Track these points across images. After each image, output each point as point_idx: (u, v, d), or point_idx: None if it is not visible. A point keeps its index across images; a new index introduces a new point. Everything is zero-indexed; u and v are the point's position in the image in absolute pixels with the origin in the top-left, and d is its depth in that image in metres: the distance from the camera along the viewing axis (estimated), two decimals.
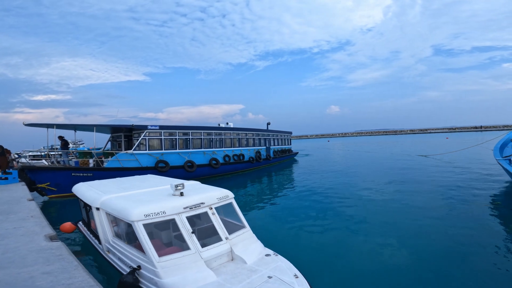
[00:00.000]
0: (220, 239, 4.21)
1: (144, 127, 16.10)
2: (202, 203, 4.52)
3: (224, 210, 4.97)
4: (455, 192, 10.77)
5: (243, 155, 21.57)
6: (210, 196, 4.71)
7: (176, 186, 4.61)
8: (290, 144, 33.36)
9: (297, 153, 34.14)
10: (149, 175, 8.04)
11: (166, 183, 6.04)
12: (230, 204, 5.01)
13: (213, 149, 19.66)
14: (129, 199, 4.62)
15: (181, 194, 4.62)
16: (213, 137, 19.91)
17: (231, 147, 21.21)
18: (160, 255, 3.69)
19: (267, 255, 4.20)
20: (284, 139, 31.30)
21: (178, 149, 17.59)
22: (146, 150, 15.93)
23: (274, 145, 27.91)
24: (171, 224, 4.76)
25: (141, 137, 15.88)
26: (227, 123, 23.44)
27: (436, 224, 7.37)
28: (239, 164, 21.18)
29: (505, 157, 11.19)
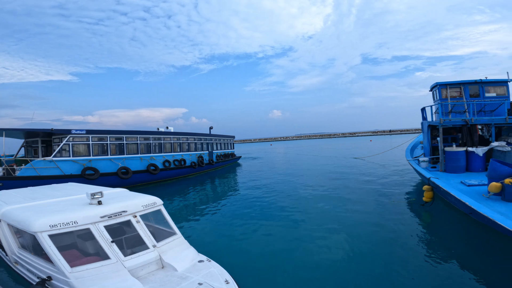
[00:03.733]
0: (147, 247, 4.07)
1: (67, 132, 14.39)
2: (124, 211, 4.34)
3: (155, 218, 4.83)
4: (381, 190, 11.96)
5: (184, 160, 20.88)
6: (133, 204, 4.53)
7: (93, 194, 4.33)
8: (233, 148, 33.54)
9: (240, 157, 34.49)
10: (69, 184, 7.25)
11: (86, 191, 5.56)
12: (159, 211, 4.87)
13: (152, 154, 18.60)
14: (33, 210, 4.25)
15: (99, 202, 4.36)
16: (151, 142, 18.84)
17: (171, 152, 20.34)
18: (75, 265, 3.48)
19: (200, 261, 4.15)
20: (227, 143, 31.32)
21: (110, 155, 16.17)
22: (69, 156, 14.23)
23: (217, 149, 27.69)
24: (91, 234, 4.38)
25: (63, 142, 14.14)
26: (167, 127, 22.47)
27: (368, 222, 7.92)
28: (180, 170, 20.45)
29: (414, 157, 12.95)
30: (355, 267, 5.27)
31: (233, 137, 33.61)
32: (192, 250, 4.42)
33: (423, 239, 6.57)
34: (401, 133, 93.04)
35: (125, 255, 3.77)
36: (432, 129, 11.44)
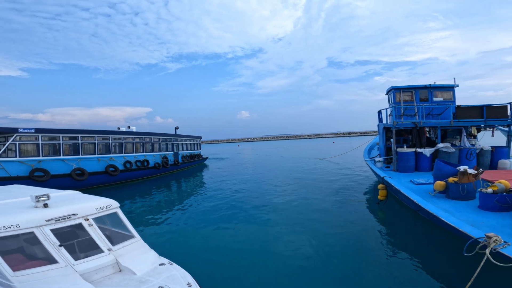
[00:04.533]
0: (101, 251, 3.92)
1: (13, 130, 13.11)
2: (74, 214, 4.14)
3: (111, 221, 4.65)
4: (342, 189, 12.49)
5: (147, 161, 20.07)
6: (85, 207, 4.32)
7: (38, 197, 4.06)
8: (200, 149, 32.98)
9: (207, 157, 34.01)
10: (14, 186, 6.65)
11: (31, 194, 5.22)
12: (115, 214, 4.68)
13: (111, 155, 17.62)
14: None
15: (45, 205, 4.09)
16: (110, 142, 17.85)
17: (133, 153, 19.45)
18: (19, 269, 3.33)
19: (161, 264, 4.06)
20: (194, 144, 30.72)
21: (63, 155, 15.02)
22: (16, 157, 12.96)
23: (183, 150, 27.02)
24: (37, 238, 4.17)
25: (9, 142, 12.84)
26: (129, 127, 21.45)
27: (330, 221, 8.18)
28: (143, 171, 19.63)
29: (371, 158, 13.78)
30: (320, 266, 5.43)
31: (200, 137, 33.04)
32: (152, 253, 4.32)
33: (378, 237, 6.93)
34: (361, 135, 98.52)
35: (76, 259, 3.63)
36: (386, 131, 12.22)
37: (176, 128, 27.41)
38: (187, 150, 28.28)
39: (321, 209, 9.38)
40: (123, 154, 18.55)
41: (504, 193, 5.61)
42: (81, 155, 15.84)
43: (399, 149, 10.69)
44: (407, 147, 11.21)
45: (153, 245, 4.58)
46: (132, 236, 4.50)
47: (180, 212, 10.27)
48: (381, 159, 12.04)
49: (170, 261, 4.19)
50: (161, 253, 4.47)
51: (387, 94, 13.44)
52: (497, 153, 10.02)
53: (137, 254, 4.15)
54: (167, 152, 23.43)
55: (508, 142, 10.47)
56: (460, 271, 4.75)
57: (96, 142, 16.80)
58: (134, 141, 19.74)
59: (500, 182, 5.81)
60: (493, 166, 9.90)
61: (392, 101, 12.38)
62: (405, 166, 10.40)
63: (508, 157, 9.93)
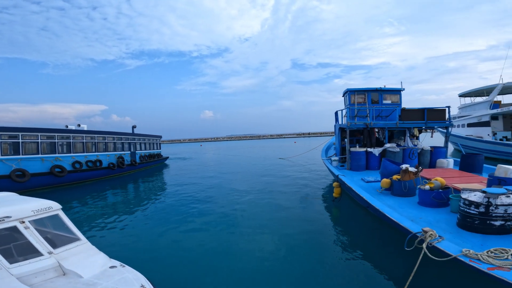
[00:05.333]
0: (40, 254, 3.76)
1: None
2: (8, 216, 3.86)
3: (53, 223, 4.42)
4: (301, 188, 12.76)
5: (100, 161, 18.78)
6: (20, 209, 4.06)
7: None
8: (160, 149, 31.72)
9: (168, 157, 32.85)
10: None
11: None
12: (56, 216, 4.43)
13: (57, 155, 16.20)
14: None
15: None
16: (57, 141, 16.38)
17: (83, 152, 18.07)
18: None
19: (112, 267, 3.91)
20: (153, 143, 29.45)
21: (1, 155, 13.56)
22: None
23: (140, 149, 25.75)
24: None
25: None
26: (79, 125, 19.90)
27: (290, 220, 8.28)
28: (95, 171, 18.34)
29: (328, 157, 14.41)
30: (280, 265, 5.48)
31: (160, 136, 31.79)
32: (101, 256, 4.14)
33: (332, 234, 7.14)
34: (320, 136, 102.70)
35: (12, 263, 3.48)
36: (342, 131, 12.84)
37: (134, 127, 26.07)
38: (145, 149, 27.02)
39: (282, 208, 9.54)
40: (72, 154, 17.15)
41: (440, 190, 6.19)
42: (22, 154, 14.35)
43: (352, 149, 11.30)
44: (359, 147, 11.90)
45: (106, 248, 4.35)
46: (77, 239, 4.32)
47: (137, 214, 9.76)
48: (336, 158, 12.64)
49: (123, 264, 4.04)
50: (115, 257, 4.27)
51: (343, 96, 14.10)
52: (435, 153, 11.07)
53: (83, 257, 3.99)
54: (123, 152, 22.15)
55: (446, 142, 11.63)
56: (405, 265, 4.98)
57: (39, 141, 15.31)
58: (84, 140, 18.34)
59: (436, 180, 6.39)
60: (432, 165, 10.91)
61: (348, 103, 13.00)
62: (357, 165, 11.04)
63: (445, 157, 11.03)
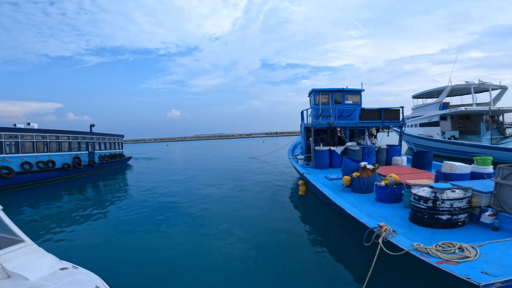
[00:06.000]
0: None
1: None
2: None
3: None
4: (269, 187, 12.80)
5: (53, 162, 17.37)
6: None
7: None
8: (122, 148, 30.13)
9: (131, 157, 31.32)
10: None
11: None
12: None
13: (4, 155, 14.76)
14: None
15: None
16: (3, 140, 14.92)
17: (34, 153, 16.56)
18: None
19: (62, 268, 3.70)
20: (114, 143, 27.88)
21: None
22: None
23: (100, 149, 24.23)
24: None
25: None
26: (28, 124, 18.20)
27: (259, 219, 8.27)
28: (48, 173, 16.96)
29: (294, 156, 14.69)
30: (250, 265, 5.42)
31: (122, 136, 30.19)
32: (50, 258, 3.91)
33: (299, 232, 7.17)
34: (288, 135, 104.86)
35: None
36: (307, 130, 13.14)
37: (92, 125, 24.44)
38: (105, 149, 25.48)
39: (251, 207, 9.51)
40: (20, 154, 15.66)
41: (394, 186, 6.55)
42: None
43: (316, 148, 11.62)
44: (323, 145, 12.27)
45: (60, 253, 4.00)
46: (20, 240, 4.03)
47: (97, 216, 9.16)
48: (302, 156, 12.92)
49: (75, 265, 3.82)
50: (70, 260, 3.96)
51: (309, 96, 14.42)
52: (391, 151, 11.78)
53: (29, 258, 3.75)
54: (79, 152, 20.68)
55: (400, 141, 12.43)
56: (367, 259, 5.09)
57: None
58: (35, 140, 16.81)
59: (390, 176, 6.77)
60: (388, 162, 11.60)
61: (313, 103, 13.32)
62: (321, 163, 11.37)
63: (399, 155, 11.78)
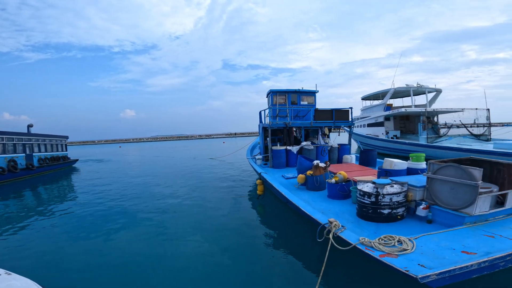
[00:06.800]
0: None
1: None
2: None
3: None
4: (229, 187, 12.66)
5: None
6: None
7: None
8: (66, 150, 27.58)
9: (77, 160, 28.81)
10: None
11: None
12: None
13: None
14: None
15: None
16: None
17: None
18: None
19: None
20: (57, 144, 25.39)
21: None
22: None
23: (40, 151, 21.88)
24: None
25: None
26: None
27: (218, 220, 8.14)
28: None
29: (253, 156, 14.82)
30: (213, 267, 5.32)
31: (66, 137, 27.63)
32: None
33: (258, 231, 7.21)
34: (248, 135, 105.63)
35: None
36: (265, 131, 13.35)
37: (30, 126, 21.98)
38: (46, 151, 23.08)
39: (212, 208, 9.35)
40: None
41: (343, 183, 6.96)
42: None
43: (273, 147, 11.87)
44: (280, 145, 12.58)
45: None
46: None
47: (39, 223, 8.31)
48: (260, 156, 13.09)
49: (8, 271, 3.57)
50: (8, 269, 3.65)
51: (267, 96, 14.65)
52: (342, 149, 12.52)
53: None
54: (15, 155, 18.45)
55: (349, 140, 13.27)
56: (321, 255, 5.15)
57: None
58: None
59: (340, 173, 7.19)
60: (340, 160, 12.31)
61: (271, 103, 13.56)
62: (278, 163, 11.65)
63: (349, 153, 12.58)
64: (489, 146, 15.65)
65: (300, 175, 8.22)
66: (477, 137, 19.12)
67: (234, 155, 28.06)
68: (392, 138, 21.57)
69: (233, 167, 19.87)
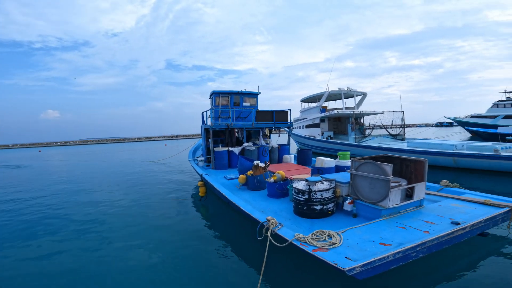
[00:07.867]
0: None
1: None
2: None
3: None
4: (170, 190, 12.18)
5: None
6: None
7: None
8: None
9: None
10: None
11: None
12: None
13: None
14: None
15: None
16: None
17: None
18: None
19: None
20: None
21: None
22: None
23: None
24: None
25: None
26: None
27: (160, 225, 7.84)
28: None
29: (195, 158, 14.56)
30: (158, 274, 5.09)
31: None
32: None
33: (202, 233, 7.14)
34: (193, 137, 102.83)
35: None
36: (207, 132, 13.23)
37: None
38: None
39: (154, 213, 8.90)
40: None
41: (281, 182, 7.34)
42: None
43: (215, 149, 11.86)
44: (222, 146, 12.62)
45: None
46: None
47: None
48: (203, 158, 12.93)
49: None
50: None
51: (210, 97, 14.52)
52: (281, 150, 13.16)
53: None
54: None
55: (288, 140, 14.01)
56: (262, 253, 5.30)
57: None
58: None
59: (278, 173, 7.56)
60: (280, 160, 12.91)
61: (213, 104, 13.50)
62: (221, 164, 11.68)
63: (288, 153, 13.28)
64: (403, 145, 18.07)
65: (241, 175, 8.39)
66: (394, 137, 21.91)
67: (176, 157, 27.07)
68: (326, 138, 23.38)
69: (174, 170, 19.17)
